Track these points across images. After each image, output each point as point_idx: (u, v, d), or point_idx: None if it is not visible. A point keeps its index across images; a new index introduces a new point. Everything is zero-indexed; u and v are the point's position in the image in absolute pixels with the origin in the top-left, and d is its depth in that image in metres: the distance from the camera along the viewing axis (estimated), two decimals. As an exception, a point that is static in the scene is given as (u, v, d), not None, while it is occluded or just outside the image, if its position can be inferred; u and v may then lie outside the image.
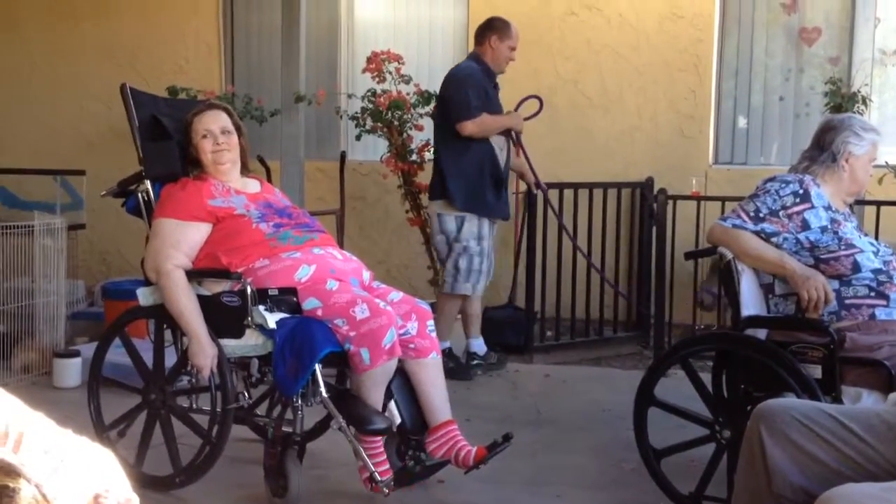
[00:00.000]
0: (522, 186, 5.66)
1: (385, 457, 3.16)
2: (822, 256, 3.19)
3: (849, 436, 2.01)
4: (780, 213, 3.22)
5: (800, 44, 6.34)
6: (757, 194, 3.30)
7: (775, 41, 6.40)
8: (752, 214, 3.25)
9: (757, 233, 3.23)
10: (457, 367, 5.05)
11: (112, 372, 3.77)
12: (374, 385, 3.13)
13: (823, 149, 3.34)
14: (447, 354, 5.13)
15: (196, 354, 3.23)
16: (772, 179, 3.35)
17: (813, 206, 3.22)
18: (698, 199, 5.42)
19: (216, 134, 3.51)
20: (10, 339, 5.08)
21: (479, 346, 5.22)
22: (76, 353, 4.90)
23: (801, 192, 3.24)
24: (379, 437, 3.17)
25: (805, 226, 3.20)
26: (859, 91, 5.58)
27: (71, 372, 4.83)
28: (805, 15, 6.31)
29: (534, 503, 3.39)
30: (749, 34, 6.43)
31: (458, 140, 4.96)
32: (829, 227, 3.21)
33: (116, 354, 3.69)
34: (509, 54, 5.15)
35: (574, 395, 4.87)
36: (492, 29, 5.12)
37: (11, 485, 1.08)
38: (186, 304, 3.26)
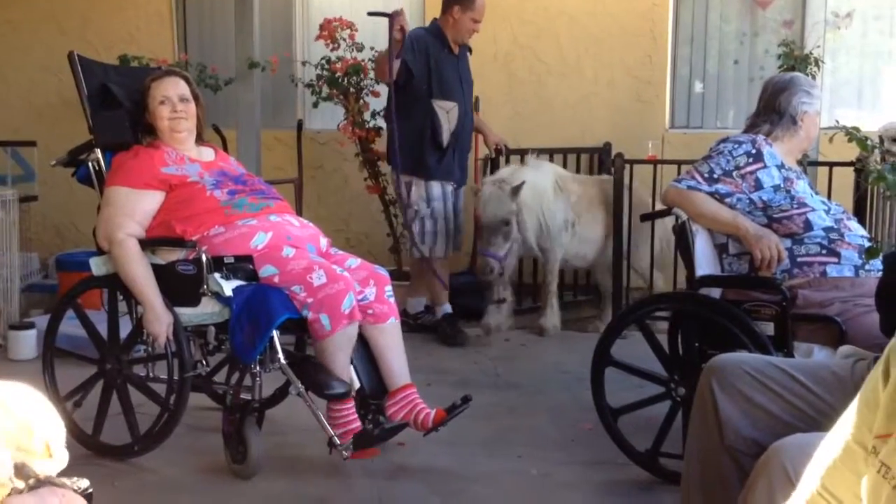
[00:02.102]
0: (483, 151, 5.67)
1: (357, 420, 3.17)
2: (775, 216, 3.23)
3: (798, 388, 2.05)
4: (734, 174, 3.26)
5: (754, 7, 6.38)
6: (710, 156, 3.34)
7: (730, 5, 6.44)
8: (706, 175, 3.29)
9: (711, 194, 3.27)
10: (451, 333, 5.11)
11: (68, 343, 3.73)
12: (338, 350, 3.13)
13: (780, 112, 3.38)
14: (445, 319, 5.22)
15: (151, 322, 3.21)
16: (724, 141, 3.39)
17: (766, 166, 3.27)
18: (655, 162, 5.45)
19: (174, 101, 3.47)
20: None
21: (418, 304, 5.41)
22: (31, 326, 4.85)
23: (753, 151, 3.28)
24: (349, 402, 3.17)
25: (758, 185, 3.25)
26: (811, 53, 5.63)
27: (26, 344, 4.77)
28: (759, -22, 6.34)
29: (494, 464, 3.42)
30: (704, -2, 6.45)
31: (399, 104, 4.91)
32: (782, 185, 3.26)
33: (71, 326, 3.65)
34: (472, 26, 5.15)
35: (533, 358, 4.91)
36: (455, 0, 5.09)
37: None
38: (140, 272, 3.23)
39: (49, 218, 6.75)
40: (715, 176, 3.27)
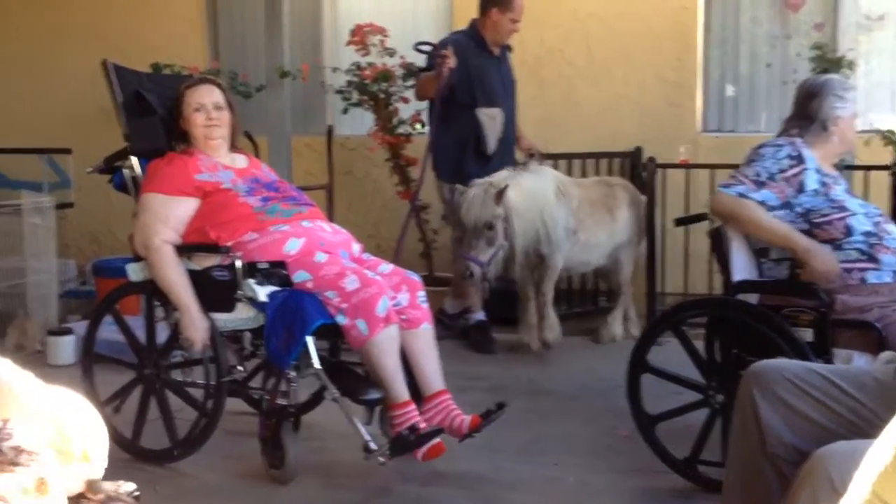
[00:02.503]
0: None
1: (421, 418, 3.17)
2: (816, 220, 3.19)
3: (840, 394, 2.03)
4: (778, 177, 3.20)
5: (785, 10, 6.32)
6: (753, 159, 3.28)
7: (761, 8, 6.38)
8: (753, 179, 3.22)
9: (761, 203, 3.21)
10: (482, 340, 5.09)
11: (106, 349, 3.78)
12: (383, 353, 3.12)
13: (812, 118, 3.33)
14: (476, 326, 5.20)
15: (187, 328, 3.24)
16: (763, 146, 3.33)
17: (807, 168, 3.23)
18: (687, 167, 5.42)
19: (209, 108, 3.50)
20: (3, 317, 5.07)
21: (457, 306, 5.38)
22: (69, 331, 4.90)
23: (794, 154, 3.24)
24: (410, 404, 3.17)
25: (801, 188, 3.20)
26: (845, 56, 5.58)
27: (64, 349, 4.82)
28: (790, -20, 6.29)
29: (530, 471, 3.41)
30: (735, 1, 6.41)
31: (441, 113, 4.96)
32: (821, 189, 3.23)
33: (109, 331, 3.70)
34: (511, 27, 5.11)
35: (567, 364, 4.89)
36: (493, 1, 5.08)
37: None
38: (176, 278, 3.27)
39: (85, 225, 6.83)
40: (762, 179, 3.21)
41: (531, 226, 4.76)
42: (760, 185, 3.21)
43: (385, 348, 3.12)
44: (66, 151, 6.22)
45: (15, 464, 1.04)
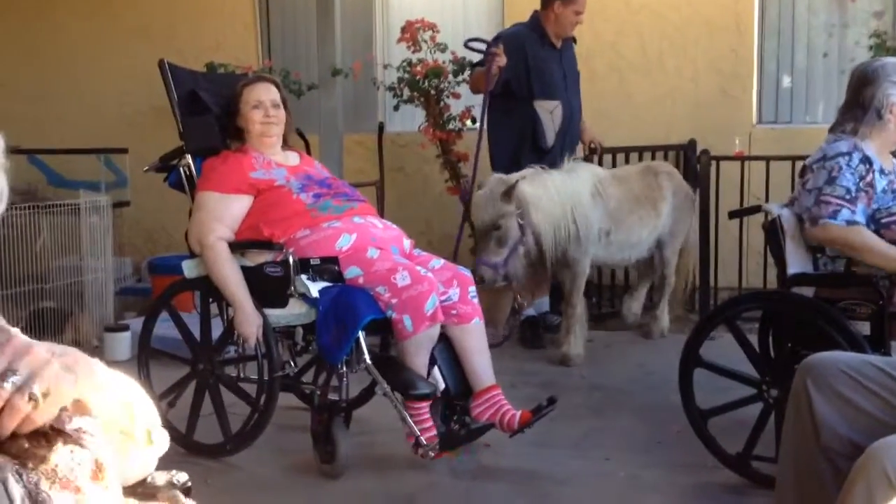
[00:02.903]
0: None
1: (431, 422, 3.19)
2: (884, 220, 3.11)
3: (897, 387, 1.98)
4: (861, 185, 3.10)
5: None
6: (832, 175, 3.12)
7: (818, -4, 6.27)
8: (847, 198, 3.08)
9: (867, 225, 3.11)
10: (531, 336, 5.08)
11: (161, 344, 3.84)
12: (418, 351, 3.15)
13: (865, 107, 3.22)
14: (525, 322, 5.17)
15: (241, 323, 3.28)
16: (829, 158, 3.16)
17: (875, 169, 3.15)
18: (742, 159, 5.34)
19: (267, 106, 3.53)
20: (61, 314, 5.18)
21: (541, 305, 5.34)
22: (126, 328, 4.99)
23: (862, 157, 3.13)
24: (425, 403, 3.19)
25: (875, 189, 3.13)
26: (905, 44, 5.46)
27: (121, 345, 4.92)
28: (848, -32, 6.16)
29: (581, 465, 3.40)
30: (791, -12, 6.30)
31: (498, 106, 4.94)
32: (888, 187, 3.15)
33: (164, 327, 3.75)
34: (575, 19, 5.06)
35: (618, 359, 4.86)
36: None
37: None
38: (230, 274, 3.31)
39: (141, 223, 6.95)
40: (854, 194, 3.08)
41: (559, 223, 4.55)
42: (854, 201, 3.09)
43: (422, 346, 3.15)
44: (123, 151, 6.34)
45: (77, 443, 1.03)
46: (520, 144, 5.02)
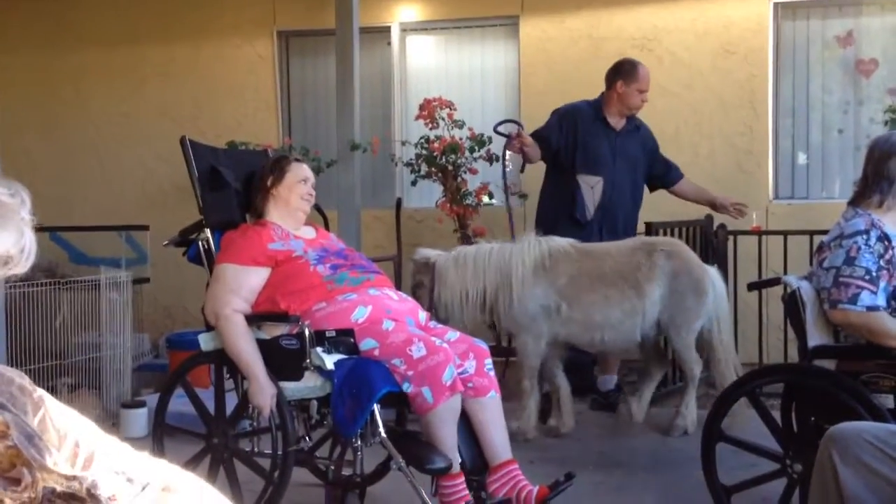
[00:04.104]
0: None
1: (469, 495, 3.13)
2: None
3: (926, 458, 1.94)
4: (882, 263, 3.08)
5: (857, 76, 6.25)
6: (851, 255, 3.10)
7: (831, 74, 6.33)
8: (867, 279, 3.06)
9: (886, 309, 3.07)
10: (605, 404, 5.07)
11: (178, 420, 3.82)
12: (443, 423, 3.11)
13: (891, 180, 3.21)
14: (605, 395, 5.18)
15: (255, 394, 3.26)
16: (846, 237, 3.14)
17: (893, 245, 3.12)
18: (760, 233, 5.33)
19: (310, 185, 3.68)
20: (77, 390, 5.16)
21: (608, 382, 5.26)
22: (142, 404, 4.97)
23: (880, 234, 3.11)
24: (459, 476, 3.13)
25: (895, 266, 3.10)
26: (920, 118, 5.48)
27: (138, 422, 4.89)
28: (861, 47, 6.24)
29: (602, 545, 3.31)
30: (804, 68, 6.36)
31: (549, 176, 5.22)
32: None
33: (180, 403, 3.74)
34: (639, 97, 5.14)
35: (639, 435, 4.77)
36: (617, 73, 5.15)
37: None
38: (244, 346, 3.30)
39: (160, 300, 6.98)
40: (874, 274, 3.05)
41: (465, 297, 4.54)
42: (875, 281, 3.06)
43: (446, 418, 3.11)
44: (144, 228, 6.41)
45: None
46: (559, 214, 5.11)
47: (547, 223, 5.07)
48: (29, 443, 1.16)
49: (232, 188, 3.71)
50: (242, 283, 3.41)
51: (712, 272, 4.65)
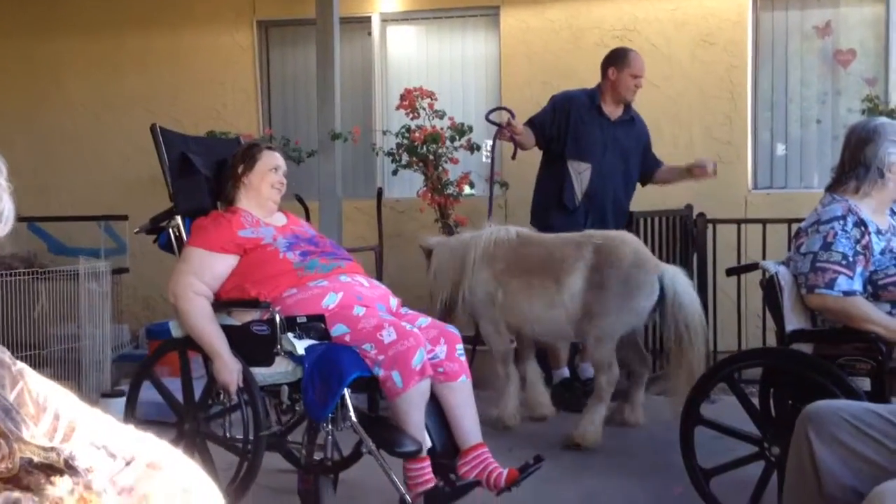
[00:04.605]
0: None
1: (434, 479, 3.14)
2: (881, 282, 3.10)
3: (900, 435, 1.95)
4: (858, 248, 3.10)
5: (835, 66, 6.28)
6: (828, 241, 3.13)
7: (810, 64, 6.35)
8: (844, 264, 3.08)
9: (862, 294, 3.10)
10: (572, 398, 5.00)
11: (156, 410, 3.79)
12: (412, 407, 3.12)
13: (867, 166, 3.24)
14: (565, 385, 5.12)
15: (220, 372, 3.26)
16: (823, 222, 3.17)
17: (871, 231, 3.15)
18: (738, 222, 5.35)
19: (280, 173, 3.65)
20: (57, 382, 5.12)
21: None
22: (122, 394, 4.91)
23: (857, 220, 3.14)
24: (425, 462, 3.14)
25: (872, 252, 3.13)
26: (898, 108, 5.52)
27: (116, 412, 4.79)
28: (839, 38, 6.26)
29: (581, 528, 3.33)
30: (783, 58, 6.38)
31: (543, 162, 5.25)
32: (886, 247, 3.15)
33: (156, 394, 3.70)
34: (633, 82, 5.14)
35: (618, 423, 4.78)
36: (609, 61, 5.17)
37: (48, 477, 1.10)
38: (206, 325, 3.30)
39: (139, 290, 6.94)
40: (851, 260, 3.08)
41: (446, 283, 4.68)
42: (852, 266, 3.08)
43: (415, 402, 3.12)
44: (123, 218, 6.36)
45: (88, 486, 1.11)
46: (550, 201, 5.15)
47: (539, 210, 5.16)
48: (6, 415, 1.16)
49: (202, 175, 3.69)
50: (207, 267, 3.40)
51: (669, 273, 4.33)
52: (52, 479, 1.08)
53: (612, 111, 5.18)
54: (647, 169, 5.37)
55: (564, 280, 4.35)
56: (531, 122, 5.13)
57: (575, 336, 4.56)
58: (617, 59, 5.13)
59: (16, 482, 1.06)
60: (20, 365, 1.26)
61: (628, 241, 4.46)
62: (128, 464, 1.26)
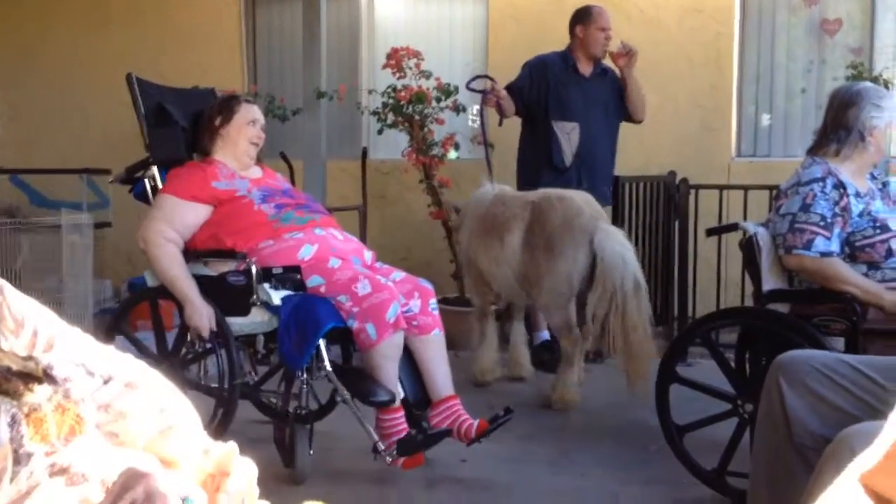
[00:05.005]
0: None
1: (407, 429, 3.17)
2: (858, 243, 3.11)
3: (869, 384, 1.97)
4: (837, 210, 3.11)
5: (822, 35, 6.28)
6: (806, 202, 3.14)
7: (796, 33, 6.34)
8: (822, 225, 3.09)
9: (840, 255, 3.11)
10: (551, 359, 4.97)
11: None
12: (385, 359, 3.15)
13: (849, 128, 3.25)
14: (544, 347, 5.14)
15: (191, 316, 3.27)
16: (803, 184, 3.18)
17: (850, 194, 3.17)
18: (721, 188, 5.38)
19: (258, 127, 3.62)
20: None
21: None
22: (102, 347, 4.93)
23: (836, 182, 3.14)
24: (398, 413, 3.18)
25: (850, 214, 3.15)
26: (881, 75, 5.54)
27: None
28: (826, 7, 6.26)
29: (557, 481, 3.35)
30: (770, 26, 6.38)
31: (524, 129, 5.25)
32: (864, 210, 3.18)
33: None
34: (601, 36, 5.10)
35: (597, 383, 4.81)
36: (575, 19, 5.16)
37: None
38: (177, 271, 3.32)
39: (121, 245, 6.90)
40: (829, 221, 3.09)
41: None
42: (829, 227, 3.09)
43: (388, 354, 3.15)
44: (106, 172, 6.30)
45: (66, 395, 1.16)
46: (540, 162, 5.13)
47: (528, 172, 5.15)
48: None
49: (179, 126, 3.67)
50: (178, 215, 3.39)
51: (600, 235, 4.11)
52: (31, 386, 1.09)
53: (586, 69, 5.19)
54: (627, 109, 5.32)
55: (506, 238, 4.35)
56: (509, 89, 5.11)
57: (528, 297, 4.52)
58: (583, 17, 5.13)
59: None
60: (0, 281, 1.27)
61: (566, 200, 4.28)
62: (105, 382, 1.27)
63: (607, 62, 5.26)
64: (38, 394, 1.10)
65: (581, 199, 4.33)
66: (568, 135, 5.09)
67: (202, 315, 3.25)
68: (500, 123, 5.24)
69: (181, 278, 3.30)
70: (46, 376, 1.13)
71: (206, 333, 3.25)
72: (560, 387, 4.29)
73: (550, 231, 4.19)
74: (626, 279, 3.98)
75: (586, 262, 4.15)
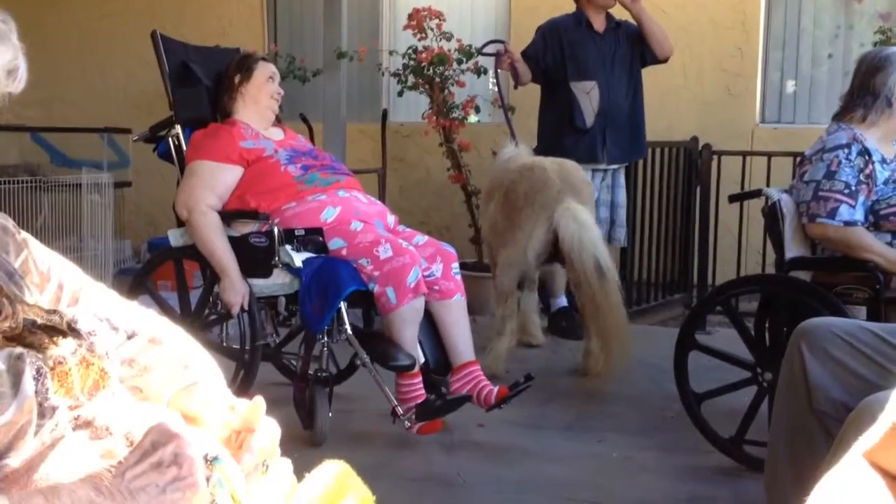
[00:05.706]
0: None
1: (425, 395, 3.17)
2: (882, 212, 3.08)
3: (892, 352, 1.95)
4: (861, 177, 3.07)
5: (849, 1, 6.17)
6: (831, 169, 3.10)
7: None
8: (846, 193, 3.05)
9: (864, 223, 3.08)
10: (569, 326, 4.98)
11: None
12: (405, 324, 3.14)
13: (875, 94, 3.19)
14: (562, 313, 5.09)
15: (226, 290, 3.27)
16: (828, 150, 3.14)
17: (875, 160, 3.13)
18: (744, 154, 5.32)
19: (276, 83, 3.61)
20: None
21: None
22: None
23: (861, 149, 3.10)
24: (416, 378, 3.18)
25: (875, 180, 3.11)
26: (911, 41, 5.44)
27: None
28: (855, -29, 6.15)
29: (574, 447, 3.35)
30: (798, -9, 6.28)
31: (543, 92, 5.17)
32: (890, 178, 3.13)
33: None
34: None
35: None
36: None
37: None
38: (219, 242, 3.30)
39: (141, 205, 6.94)
40: (854, 189, 3.05)
41: None
42: (854, 195, 3.05)
43: (408, 318, 3.14)
44: (126, 131, 6.30)
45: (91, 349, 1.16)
46: (561, 125, 5.06)
47: (549, 135, 5.08)
48: (9, 279, 1.17)
49: (203, 85, 3.65)
50: (218, 179, 3.37)
51: (559, 212, 3.96)
52: (55, 339, 1.09)
53: (600, 25, 5.09)
54: (648, 52, 5.19)
55: (490, 205, 4.40)
56: (524, 55, 5.05)
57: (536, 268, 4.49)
58: None
59: (19, 340, 1.07)
60: (25, 234, 1.27)
61: (535, 172, 4.16)
62: (129, 337, 1.27)
63: (617, 15, 5.15)
64: (63, 347, 1.10)
65: (557, 172, 4.16)
66: (588, 94, 5.02)
67: (237, 292, 3.25)
68: (515, 87, 5.18)
69: (223, 249, 3.29)
70: (71, 330, 1.13)
71: (235, 311, 3.26)
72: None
73: (513, 202, 4.12)
74: (585, 261, 3.84)
75: (545, 238, 4.05)
